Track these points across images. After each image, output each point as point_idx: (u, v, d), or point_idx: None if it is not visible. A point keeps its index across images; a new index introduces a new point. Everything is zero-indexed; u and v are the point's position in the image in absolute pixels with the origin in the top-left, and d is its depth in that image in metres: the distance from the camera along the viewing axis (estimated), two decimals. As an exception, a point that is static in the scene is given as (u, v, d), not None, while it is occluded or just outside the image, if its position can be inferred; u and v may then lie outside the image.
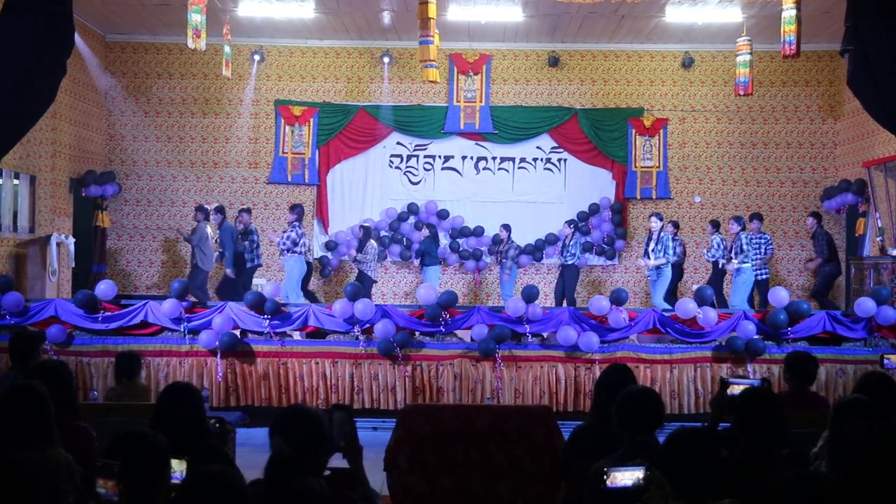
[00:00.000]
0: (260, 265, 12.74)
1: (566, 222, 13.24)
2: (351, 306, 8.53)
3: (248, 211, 12.77)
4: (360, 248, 12.80)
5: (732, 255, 11.44)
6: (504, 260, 13.01)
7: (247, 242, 12.33)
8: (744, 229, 11.56)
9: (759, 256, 11.70)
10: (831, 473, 2.86)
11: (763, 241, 11.84)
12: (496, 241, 13.71)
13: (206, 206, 12.63)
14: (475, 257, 14.33)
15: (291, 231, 11.76)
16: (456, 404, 8.00)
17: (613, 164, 14.63)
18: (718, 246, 12.21)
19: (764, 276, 11.94)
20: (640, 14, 12.80)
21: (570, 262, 12.84)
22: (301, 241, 11.77)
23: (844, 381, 8.34)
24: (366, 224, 13.26)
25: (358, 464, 3.32)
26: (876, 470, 2.78)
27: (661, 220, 11.71)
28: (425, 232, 13.44)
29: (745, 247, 11.30)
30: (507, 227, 13.14)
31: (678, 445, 3.01)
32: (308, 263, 12.33)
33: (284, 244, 11.74)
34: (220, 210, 12.53)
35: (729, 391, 4.33)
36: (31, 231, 12.16)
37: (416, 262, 13.83)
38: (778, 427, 3.74)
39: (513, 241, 13.14)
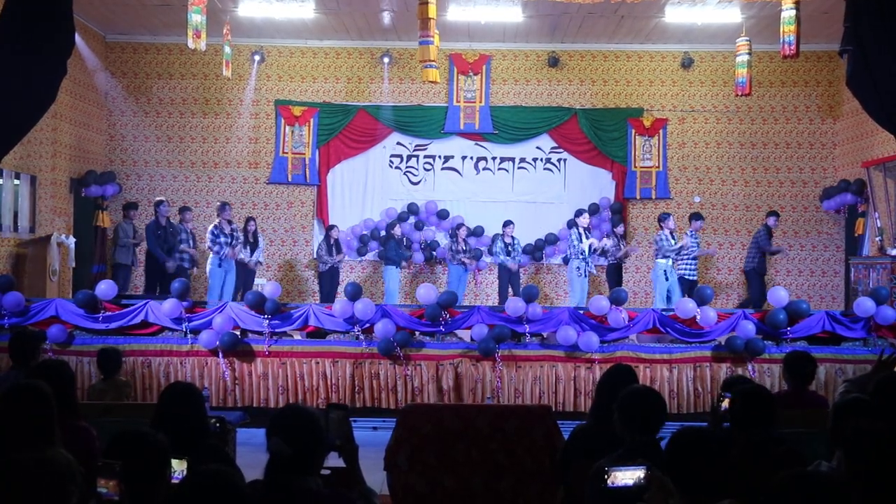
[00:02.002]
0: (188, 268, 12.37)
1: (504, 222, 13.26)
2: (351, 306, 8.54)
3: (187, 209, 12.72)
4: (329, 251, 13.11)
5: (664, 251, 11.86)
6: (459, 256, 13.32)
7: (183, 245, 12.09)
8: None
9: (692, 256, 12.13)
10: (833, 473, 2.86)
11: (696, 241, 12.28)
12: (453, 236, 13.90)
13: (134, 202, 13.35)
14: (475, 257, 14.32)
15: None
16: (456, 404, 8.00)
17: (613, 164, 14.63)
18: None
19: (692, 276, 12.20)
20: (640, 14, 12.80)
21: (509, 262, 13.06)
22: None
23: (844, 380, 8.34)
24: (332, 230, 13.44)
25: (354, 463, 3.33)
26: (876, 470, 2.78)
27: (589, 215, 12.36)
28: (398, 231, 13.71)
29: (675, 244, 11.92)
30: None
31: (684, 445, 3.01)
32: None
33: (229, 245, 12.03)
34: (133, 206, 13.01)
35: (723, 406, 4.28)
36: (32, 231, 12.16)
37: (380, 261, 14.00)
38: (772, 421, 3.75)
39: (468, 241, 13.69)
